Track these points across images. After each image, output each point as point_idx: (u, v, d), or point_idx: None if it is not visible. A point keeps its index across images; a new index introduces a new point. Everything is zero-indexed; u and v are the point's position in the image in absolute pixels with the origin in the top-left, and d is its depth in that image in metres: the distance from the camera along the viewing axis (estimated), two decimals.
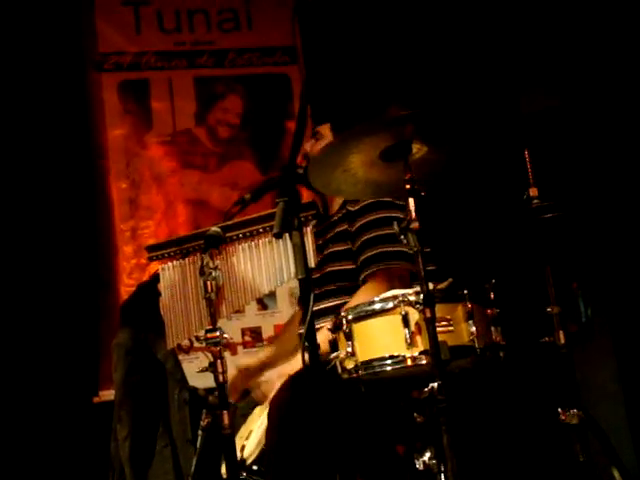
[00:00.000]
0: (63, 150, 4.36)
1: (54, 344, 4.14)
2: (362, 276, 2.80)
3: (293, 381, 2.56)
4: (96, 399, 4.23)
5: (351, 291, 2.81)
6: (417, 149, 2.25)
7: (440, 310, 2.12)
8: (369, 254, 2.78)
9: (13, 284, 4.12)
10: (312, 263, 2.35)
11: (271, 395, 2.66)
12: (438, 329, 2.09)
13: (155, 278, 3.03)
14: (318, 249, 2.81)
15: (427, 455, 2.21)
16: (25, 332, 4.10)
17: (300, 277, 2.01)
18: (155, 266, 3.00)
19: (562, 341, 2.68)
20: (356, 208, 2.85)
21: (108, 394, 4.01)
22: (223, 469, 2.60)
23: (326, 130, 3.01)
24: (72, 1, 4.59)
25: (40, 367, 4.09)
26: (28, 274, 4.18)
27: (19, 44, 4.32)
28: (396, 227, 2.14)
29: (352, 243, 2.86)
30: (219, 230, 2.52)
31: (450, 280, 2.24)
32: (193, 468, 2.75)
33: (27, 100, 4.30)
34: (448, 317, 2.19)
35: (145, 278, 4.13)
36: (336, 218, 2.96)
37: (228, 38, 4.78)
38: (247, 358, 3.34)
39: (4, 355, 4.03)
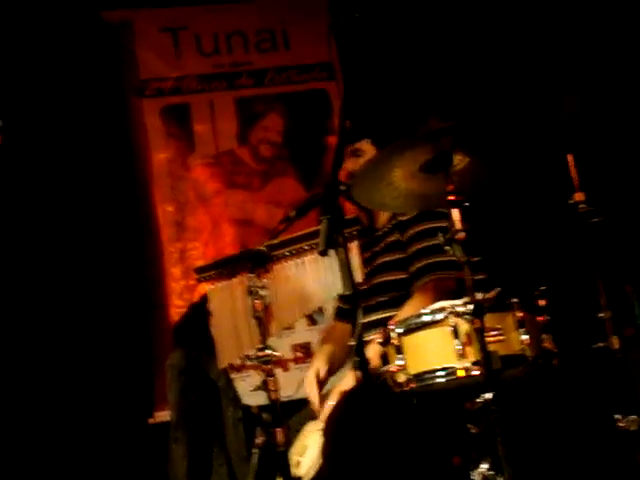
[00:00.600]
0: (109, 177, 4.44)
1: (109, 367, 4.20)
2: (414, 286, 2.80)
3: (347, 397, 2.56)
4: (151, 420, 4.27)
5: (402, 302, 2.80)
6: (458, 160, 2.25)
7: (490, 320, 2.11)
8: (421, 264, 2.77)
9: (68, 310, 4.20)
10: (358, 278, 2.36)
11: (325, 411, 2.66)
12: (488, 339, 2.08)
13: (205, 299, 3.07)
14: (365, 262, 2.82)
15: (484, 466, 2.19)
16: (80, 356, 4.17)
17: (347, 293, 2.02)
18: (204, 287, 3.04)
19: (616, 346, 2.63)
20: (407, 218, 2.85)
21: (163, 415, 4.06)
22: None
23: (366, 146, 3.01)
24: (112, 31, 4.68)
25: (96, 389, 4.15)
26: (81, 300, 4.26)
27: (61, 77, 4.41)
28: (441, 238, 2.14)
29: (404, 252, 2.86)
30: (265, 249, 2.55)
31: (498, 290, 2.23)
32: None
33: (71, 130, 4.39)
34: (498, 326, 2.17)
35: (195, 299, 4.18)
36: (386, 229, 2.96)
37: (266, 58, 4.84)
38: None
39: (61, 378, 4.10)
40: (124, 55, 4.76)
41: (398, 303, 2.81)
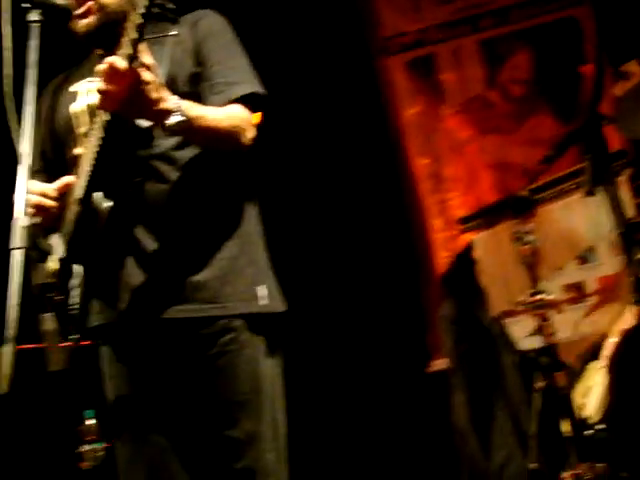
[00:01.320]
0: (362, 138, 4.55)
1: (382, 321, 4.36)
2: None
3: (629, 335, 2.47)
4: (429, 369, 4.38)
5: None
6: None
7: None
8: None
9: (335, 268, 4.40)
10: (630, 213, 2.25)
11: (607, 350, 2.59)
12: None
13: (470, 248, 3.09)
14: (637, 192, 2.67)
15: None
16: (353, 311, 4.36)
17: (619, 231, 1.94)
18: (467, 236, 3.05)
19: None
20: None
21: (440, 364, 4.15)
22: (564, 428, 2.59)
23: (635, 67, 2.82)
24: None
25: (372, 343, 4.33)
26: (347, 258, 4.44)
27: (307, 45, 4.57)
28: None
29: None
30: (528, 193, 2.51)
31: None
32: (534, 429, 2.76)
33: (322, 97, 4.54)
34: None
35: (459, 249, 4.20)
36: None
37: None
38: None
39: (336, 334, 4.31)
40: (365, 16, 4.83)
41: None
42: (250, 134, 1.95)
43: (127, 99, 1.70)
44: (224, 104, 1.91)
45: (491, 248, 2.68)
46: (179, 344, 1.92)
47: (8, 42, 1.72)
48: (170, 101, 1.75)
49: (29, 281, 1.62)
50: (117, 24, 1.94)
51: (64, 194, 1.90)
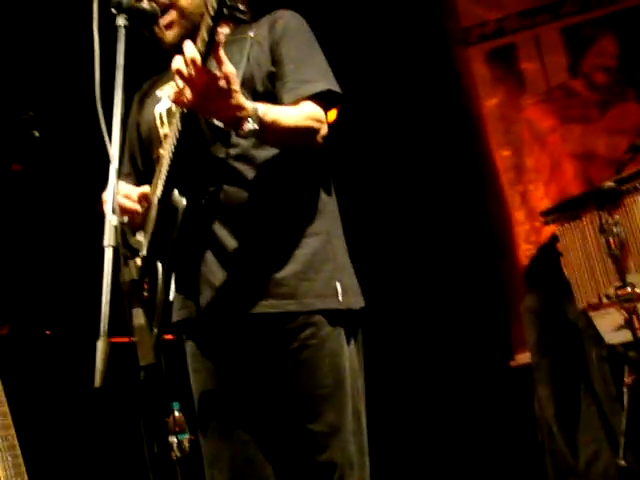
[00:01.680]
0: (442, 129, 4.52)
1: (465, 314, 4.33)
2: None
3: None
4: (512, 363, 4.33)
5: None
6: None
7: None
8: None
9: (418, 266, 4.39)
10: None
11: None
12: None
13: (553, 239, 3.04)
14: None
15: None
16: (437, 303, 4.34)
17: None
18: (550, 228, 3.00)
19: None
20: None
21: (524, 357, 4.09)
22: None
23: None
24: None
25: (454, 335, 4.31)
26: (430, 250, 4.42)
27: (387, 36, 4.56)
28: None
29: None
30: (614, 184, 2.45)
31: None
32: (623, 426, 2.71)
33: (402, 89, 4.52)
34: None
35: (542, 241, 4.13)
36: None
37: None
38: None
39: (412, 327, 4.31)
40: (444, 5, 4.79)
41: None
42: (323, 132, 1.96)
43: (202, 97, 1.73)
44: (297, 102, 1.93)
45: (576, 240, 2.63)
46: (260, 339, 1.95)
47: (97, 47, 1.77)
48: (247, 109, 1.78)
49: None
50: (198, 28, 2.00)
51: (147, 196, 1.95)
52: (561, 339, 3.35)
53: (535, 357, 3.51)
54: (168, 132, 2.00)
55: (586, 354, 3.26)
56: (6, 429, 2.29)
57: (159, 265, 1.94)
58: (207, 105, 1.77)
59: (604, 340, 3.18)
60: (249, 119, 1.79)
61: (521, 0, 4.65)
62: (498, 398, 4.15)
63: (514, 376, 4.17)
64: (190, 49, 1.72)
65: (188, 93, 1.74)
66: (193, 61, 1.70)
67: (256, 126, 1.79)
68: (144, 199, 1.95)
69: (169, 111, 2.06)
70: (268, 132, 1.83)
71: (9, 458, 2.26)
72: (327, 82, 2.00)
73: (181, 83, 1.75)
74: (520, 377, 3.93)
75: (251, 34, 2.01)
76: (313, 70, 2.00)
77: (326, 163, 2.08)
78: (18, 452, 2.29)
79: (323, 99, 1.98)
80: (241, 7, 1.80)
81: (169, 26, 2.03)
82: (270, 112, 1.84)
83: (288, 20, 2.05)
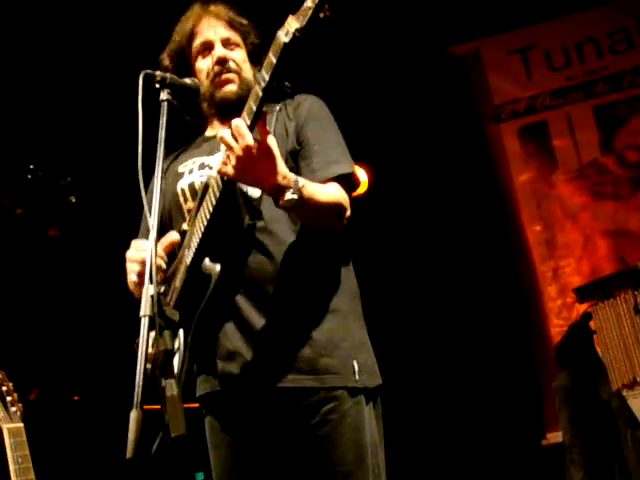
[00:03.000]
0: (475, 204, 4.55)
1: (495, 388, 4.28)
2: None
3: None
4: (544, 442, 4.25)
5: None
6: None
7: None
8: None
9: (450, 341, 4.36)
10: None
11: None
12: None
13: (586, 316, 3.01)
14: None
15: None
16: (467, 384, 4.30)
17: None
18: (582, 305, 2.98)
19: None
20: None
21: (555, 436, 4.01)
22: None
23: None
24: (461, 62, 4.82)
25: (486, 412, 4.25)
26: (459, 323, 4.40)
27: (419, 114, 4.63)
28: None
29: None
30: None
31: None
32: None
33: (435, 164, 4.58)
34: None
35: (573, 317, 4.09)
36: None
37: (622, 59, 4.61)
38: None
39: (450, 408, 4.26)
40: (475, 84, 4.87)
41: None
42: (348, 213, 2.00)
43: (248, 164, 1.76)
44: (322, 182, 1.97)
45: (611, 319, 2.60)
46: (280, 413, 1.94)
47: (141, 121, 1.82)
48: (289, 178, 1.81)
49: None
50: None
51: (170, 253, 1.98)
52: (594, 419, 3.28)
53: (568, 437, 3.44)
54: (193, 207, 2.03)
55: (620, 435, 3.19)
56: None
57: (181, 333, 1.95)
58: (253, 171, 1.79)
59: (639, 421, 3.12)
60: (290, 189, 1.81)
61: (552, 79, 4.72)
62: (530, 477, 4.07)
63: (546, 455, 4.09)
64: (237, 119, 1.76)
65: (233, 161, 1.78)
66: (239, 128, 1.74)
67: (296, 196, 1.82)
68: (171, 247, 1.98)
69: (191, 187, 2.10)
70: (305, 205, 1.86)
71: None
72: (350, 165, 2.04)
73: (226, 152, 1.78)
74: (552, 456, 3.85)
75: (277, 109, 2.06)
76: (337, 152, 2.05)
77: (347, 240, 2.10)
78: None
79: (346, 181, 2.02)
80: (287, 84, 1.85)
81: (227, 82, 2.10)
82: (308, 186, 1.87)
83: (312, 104, 2.11)
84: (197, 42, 2.14)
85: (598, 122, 4.63)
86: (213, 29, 2.13)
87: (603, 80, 4.64)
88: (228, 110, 2.08)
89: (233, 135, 1.77)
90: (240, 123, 1.76)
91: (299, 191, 1.83)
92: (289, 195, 1.82)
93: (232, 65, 2.10)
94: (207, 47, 2.12)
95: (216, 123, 2.18)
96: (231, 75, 2.10)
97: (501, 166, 4.75)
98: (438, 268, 4.45)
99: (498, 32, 4.76)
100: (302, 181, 1.86)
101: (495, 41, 4.80)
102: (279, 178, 1.81)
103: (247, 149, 1.76)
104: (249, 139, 1.76)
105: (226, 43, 2.13)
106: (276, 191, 1.83)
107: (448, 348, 4.35)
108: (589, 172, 4.61)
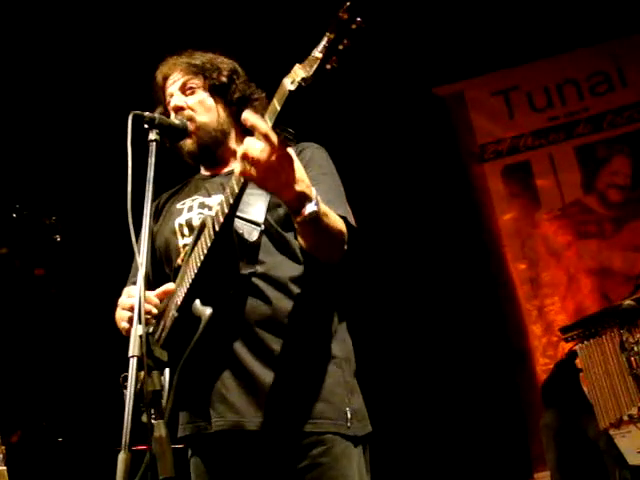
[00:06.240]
0: (459, 243, 4.58)
1: (481, 427, 4.26)
2: None
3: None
4: None
5: None
6: None
7: None
8: None
9: (436, 381, 4.35)
10: None
11: None
12: None
13: (572, 355, 3.01)
14: None
15: None
16: (453, 422, 4.28)
17: None
18: (568, 343, 2.99)
19: None
20: None
21: (543, 476, 4.00)
22: None
23: None
24: (444, 103, 4.89)
25: (472, 450, 4.22)
26: (448, 363, 4.39)
27: (403, 152, 4.67)
28: None
29: None
30: (633, 303, 2.45)
31: None
32: None
33: (417, 203, 4.60)
34: None
35: (559, 355, 4.10)
36: None
37: (603, 101, 4.69)
38: None
39: (436, 447, 4.23)
40: (459, 124, 4.93)
41: None
42: (345, 246, 2.00)
43: (273, 170, 1.71)
44: None
45: (597, 358, 2.61)
46: (272, 456, 1.93)
47: (130, 161, 1.83)
48: (312, 188, 1.79)
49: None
50: (220, 144, 2.12)
51: (163, 300, 1.97)
52: (582, 459, 3.27)
53: (556, 477, 3.42)
54: (188, 243, 2.03)
55: (609, 474, 3.18)
56: None
57: (167, 373, 1.93)
58: (278, 177, 1.74)
59: (627, 461, 3.11)
60: (312, 200, 1.78)
61: (534, 119, 4.79)
62: None
63: None
64: (261, 123, 1.71)
65: (254, 171, 1.73)
66: (266, 135, 1.69)
67: (317, 208, 1.79)
68: (164, 296, 1.98)
69: (189, 223, 2.10)
70: (320, 221, 1.82)
71: None
72: (347, 212, 2.05)
73: (250, 152, 1.72)
74: None
75: None
76: (335, 194, 2.06)
77: (339, 287, 2.11)
78: None
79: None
80: (290, 130, 1.84)
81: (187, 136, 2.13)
82: (322, 203, 1.85)
83: (314, 150, 2.14)
84: (166, 94, 2.19)
85: (580, 162, 4.70)
86: (172, 79, 2.18)
87: (584, 121, 4.71)
88: (200, 159, 2.14)
89: (261, 136, 1.70)
90: (267, 128, 1.70)
91: (318, 204, 1.80)
92: (311, 207, 1.78)
93: (186, 112, 2.12)
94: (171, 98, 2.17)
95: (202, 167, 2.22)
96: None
97: (485, 206, 4.79)
98: (424, 308, 4.46)
99: (481, 73, 4.83)
100: (317, 194, 1.82)
101: (479, 82, 4.87)
102: (304, 186, 1.77)
103: (271, 153, 1.70)
104: (271, 145, 1.70)
105: (183, 89, 2.17)
106: (300, 200, 1.78)
107: (433, 387, 4.34)
108: (572, 211, 4.66)
